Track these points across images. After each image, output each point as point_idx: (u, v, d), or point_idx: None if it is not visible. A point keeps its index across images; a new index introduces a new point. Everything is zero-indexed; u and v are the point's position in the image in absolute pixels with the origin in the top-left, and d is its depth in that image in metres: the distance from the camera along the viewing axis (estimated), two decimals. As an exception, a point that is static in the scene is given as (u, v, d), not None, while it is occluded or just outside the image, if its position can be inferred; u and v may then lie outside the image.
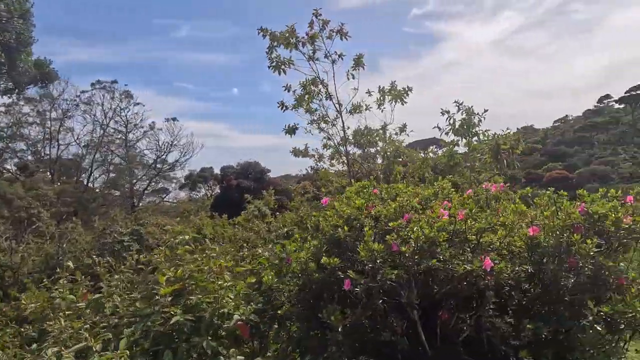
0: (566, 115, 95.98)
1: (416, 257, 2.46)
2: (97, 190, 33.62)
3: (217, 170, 39.38)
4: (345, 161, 7.94)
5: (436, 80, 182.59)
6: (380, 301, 2.60)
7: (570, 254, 2.76)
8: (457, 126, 7.57)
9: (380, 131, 8.02)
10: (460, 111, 7.58)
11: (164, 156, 35.34)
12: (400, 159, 8.71)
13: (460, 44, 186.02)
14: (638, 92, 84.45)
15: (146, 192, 36.56)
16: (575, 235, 2.74)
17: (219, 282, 3.41)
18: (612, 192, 3.28)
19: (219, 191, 36.39)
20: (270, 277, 3.38)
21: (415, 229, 2.48)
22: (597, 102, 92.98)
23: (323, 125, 8.09)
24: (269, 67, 6.63)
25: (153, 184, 36.81)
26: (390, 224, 2.65)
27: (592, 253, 2.68)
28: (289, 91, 7.06)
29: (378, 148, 7.91)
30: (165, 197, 37.57)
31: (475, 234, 2.82)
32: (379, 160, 8.20)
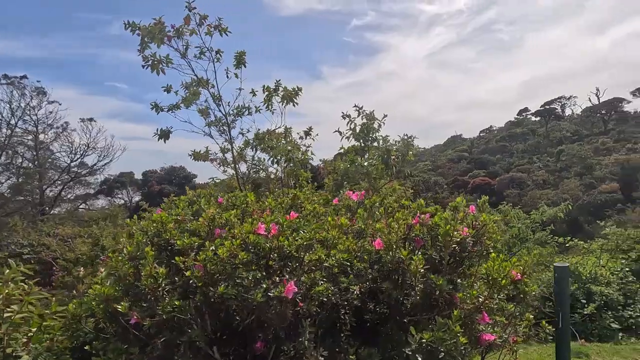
0: (491, 126, 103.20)
1: (208, 282, 2.00)
2: (-1, 196, 30.02)
3: (138, 175, 36.99)
4: (234, 166, 7.39)
5: (375, 89, 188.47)
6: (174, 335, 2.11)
7: (405, 272, 2.46)
8: (357, 131, 7.35)
9: (281, 135, 7.61)
10: (361, 115, 7.37)
11: (78, 160, 32.38)
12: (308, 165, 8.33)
13: (397, 55, 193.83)
14: (551, 106, 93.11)
15: (65, 198, 33.30)
16: (403, 250, 2.44)
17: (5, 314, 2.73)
18: (458, 201, 3.06)
19: (139, 197, 34.22)
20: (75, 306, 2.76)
21: (208, 250, 2.03)
22: (517, 115, 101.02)
23: (223, 128, 7.51)
24: (143, 66, 5.92)
25: (68, 189, 33.61)
26: (178, 242, 2.18)
27: (422, 270, 2.39)
28: (168, 92, 6.39)
29: (277, 152, 7.46)
30: (81, 203, 34.43)
31: (296, 251, 2.42)
32: (280, 166, 7.76)
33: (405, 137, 6.42)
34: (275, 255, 2.24)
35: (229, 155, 8.30)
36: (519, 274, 2.68)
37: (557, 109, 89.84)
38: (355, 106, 7.31)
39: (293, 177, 8.05)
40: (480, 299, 2.40)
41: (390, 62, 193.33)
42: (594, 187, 46.07)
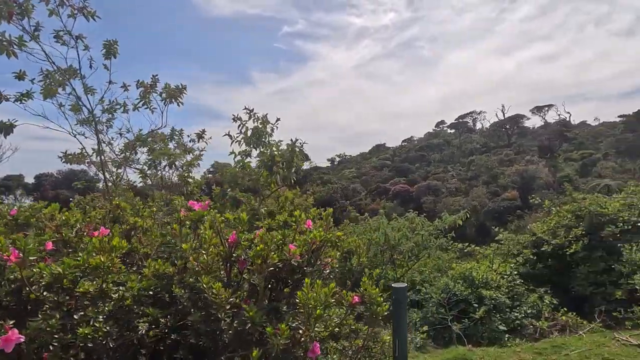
0: (411, 136, 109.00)
1: None
2: None
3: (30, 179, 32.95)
4: (102, 170, 6.53)
5: (305, 96, 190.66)
6: None
7: (208, 301, 2.02)
8: (249, 134, 6.88)
9: (166, 137, 6.89)
10: (252, 119, 6.92)
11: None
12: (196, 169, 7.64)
13: (327, 64, 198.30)
14: (464, 120, 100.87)
15: None
16: (204, 277, 2.01)
17: None
18: (297, 214, 2.71)
19: (29, 202, 30.42)
20: None
21: None
22: (435, 127, 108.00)
23: (95, 126, 6.58)
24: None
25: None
26: None
27: (232, 299, 1.97)
28: (22, 79, 5.40)
29: (156, 156, 6.72)
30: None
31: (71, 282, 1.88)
32: (159, 171, 7.01)
33: (291, 142, 6.07)
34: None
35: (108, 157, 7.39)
36: (356, 298, 2.37)
37: (469, 122, 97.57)
38: (245, 108, 6.85)
39: (184, 184, 7.37)
40: (300, 331, 2.03)
41: (320, 70, 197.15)
42: (498, 195, 50.29)
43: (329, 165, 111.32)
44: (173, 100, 6.15)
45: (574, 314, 9.61)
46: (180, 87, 6.13)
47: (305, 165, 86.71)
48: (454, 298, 9.87)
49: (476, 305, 9.55)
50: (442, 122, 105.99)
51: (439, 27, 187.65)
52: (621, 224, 10.66)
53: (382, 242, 10.87)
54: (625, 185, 14.21)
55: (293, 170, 5.67)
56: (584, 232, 11.43)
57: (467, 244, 13.17)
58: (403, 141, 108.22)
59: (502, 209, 44.61)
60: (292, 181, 5.68)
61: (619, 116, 75.09)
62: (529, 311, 9.94)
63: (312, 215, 3.01)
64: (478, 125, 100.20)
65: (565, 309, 9.76)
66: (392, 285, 2.43)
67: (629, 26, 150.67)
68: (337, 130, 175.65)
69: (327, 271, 2.58)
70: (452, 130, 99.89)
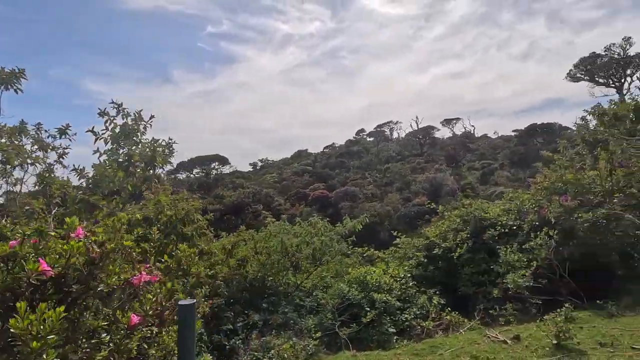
0: (333, 143, 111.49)
1: None
2: None
3: None
4: None
5: (230, 98, 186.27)
6: None
7: None
8: (116, 132, 6.18)
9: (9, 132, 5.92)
10: (121, 114, 6.24)
11: None
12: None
13: (253, 68, 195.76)
14: (382, 129, 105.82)
15: None
16: None
17: None
18: (68, 221, 2.26)
19: None
20: None
21: None
22: (355, 134, 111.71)
23: None
24: None
25: None
26: None
27: None
28: None
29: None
30: None
31: None
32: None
33: (151, 141, 5.54)
34: None
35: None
36: (137, 318, 1.99)
37: (386, 131, 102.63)
38: (112, 103, 6.14)
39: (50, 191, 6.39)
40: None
41: (246, 73, 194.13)
42: (410, 200, 53.20)
43: (251, 169, 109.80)
44: (9, 86, 5.27)
45: (457, 313, 10.18)
46: (17, 71, 5.27)
47: (226, 169, 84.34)
48: (347, 302, 9.92)
49: (368, 309, 9.67)
50: (362, 130, 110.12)
51: (361, 39, 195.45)
52: (499, 228, 11.60)
53: (279, 249, 10.61)
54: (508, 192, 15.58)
55: (156, 171, 5.12)
56: (469, 236, 12.26)
57: (366, 248, 13.45)
58: (325, 147, 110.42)
59: (413, 214, 47.16)
60: (155, 182, 5.13)
61: (513, 131, 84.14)
62: (418, 312, 10.33)
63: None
64: (395, 135, 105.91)
65: (449, 308, 10.31)
66: (180, 303, 2.07)
67: (524, 51, 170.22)
68: (263, 135, 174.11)
69: (110, 290, 2.15)
70: (371, 139, 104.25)
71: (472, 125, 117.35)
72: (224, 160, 77.00)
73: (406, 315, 10.06)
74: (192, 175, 74.72)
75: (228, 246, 9.41)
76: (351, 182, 65.70)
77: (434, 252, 12.48)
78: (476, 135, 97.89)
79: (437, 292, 11.30)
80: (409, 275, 11.88)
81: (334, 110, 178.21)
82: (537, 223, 11.26)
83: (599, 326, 7.85)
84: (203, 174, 72.14)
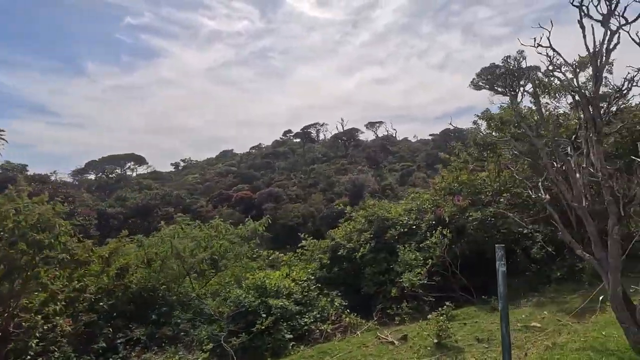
0: (260, 144, 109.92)
1: None
2: None
3: None
4: None
5: (153, 95, 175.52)
6: None
7: None
8: None
9: None
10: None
11: None
12: None
13: (177, 64, 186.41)
14: (309, 130, 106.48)
15: None
16: None
17: None
18: None
19: None
20: None
21: None
22: (282, 135, 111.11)
23: None
24: None
25: None
26: None
27: None
28: None
29: None
30: None
31: None
32: None
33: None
34: None
35: None
36: None
37: (312, 133, 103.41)
38: None
39: None
40: None
41: (169, 69, 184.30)
42: (333, 201, 53.93)
43: (173, 170, 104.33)
44: None
45: (355, 315, 10.14)
46: None
47: (142, 169, 78.97)
48: (242, 309, 9.37)
49: (264, 315, 9.19)
50: (289, 131, 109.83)
51: (290, 41, 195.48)
52: (399, 228, 11.83)
53: (170, 254, 9.74)
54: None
55: None
56: (372, 236, 12.37)
57: (271, 251, 13.02)
58: (251, 148, 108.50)
59: (335, 214, 47.82)
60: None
61: (429, 135, 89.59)
62: (318, 315, 10.09)
63: None
64: (321, 136, 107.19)
65: (347, 311, 10.23)
66: None
67: (442, 62, 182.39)
68: (187, 134, 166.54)
69: None
70: (298, 140, 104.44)
71: (394, 129, 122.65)
72: (140, 160, 72.11)
73: (305, 320, 9.75)
74: (103, 175, 68.82)
75: (105, 254, 8.35)
76: (276, 183, 65.10)
77: (339, 253, 12.40)
78: (398, 139, 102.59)
79: (340, 294, 11.20)
80: (312, 277, 11.64)
81: (262, 110, 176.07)
82: (434, 222, 11.65)
83: (480, 321, 8.16)
84: (104, 175, 66.41)
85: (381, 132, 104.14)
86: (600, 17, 4.79)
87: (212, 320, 9.72)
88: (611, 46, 4.74)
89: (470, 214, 11.06)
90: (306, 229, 50.59)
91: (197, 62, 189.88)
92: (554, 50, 4.98)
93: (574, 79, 5.25)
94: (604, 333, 5.47)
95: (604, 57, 4.77)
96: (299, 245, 13.34)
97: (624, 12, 4.63)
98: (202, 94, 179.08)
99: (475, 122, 12.09)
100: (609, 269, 4.72)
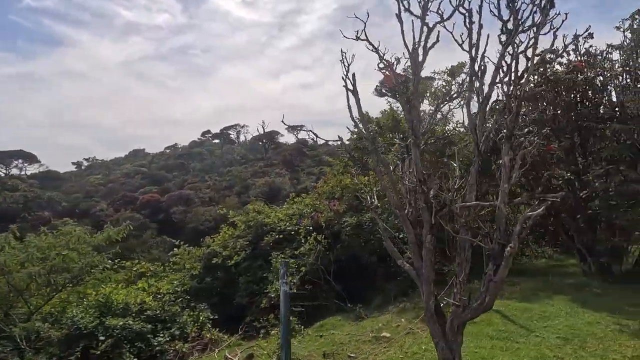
0: (175, 143, 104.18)
1: None
2: None
3: None
4: None
5: (58, 87, 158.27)
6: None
7: None
8: None
9: None
10: None
11: None
12: None
13: (87, 55, 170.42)
14: (229, 131, 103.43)
15: None
16: None
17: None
18: None
19: None
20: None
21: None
22: (201, 136, 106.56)
23: None
24: None
25: None
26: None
27: None
28: None
29: None
30: None
31: None
32: None
33: None
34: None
35: None
36: None
37: (232, 134, 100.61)
38: None
39: None
40: None
41: (77, 60, 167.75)
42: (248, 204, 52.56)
43: (75, 169, 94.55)
44: None
45: (224, 329, 9.34)
46: None
47: (33, 168, 70.08)
48: (76, 332, 8.03)
49: (103, 338, 7.95)
50: (208, 131, 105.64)
51: (214, 39, 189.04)
52: (275, 235, 11.21)
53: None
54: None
55: None
56: (248, 242, 11.63)
57: (137, 261, 11.67)
58: (166, 148, 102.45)
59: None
60: None
61: (347, 140, 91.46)
62: (177, 333, 9.09)
63: None
64: (242, 138, 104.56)
65: (210, 325, 9.38)
66: None
67: (363, 70, 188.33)
68: (100, 132, 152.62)
69: None
70: (217, 141, 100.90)
71: (315, 133, 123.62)
72: (30, 157, 63.93)
73: (160, 339, 8.68)
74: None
75: None
76: (189, 185, 61.87)
77: (214, 261, 11.48)
78: (318, 143, 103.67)
79: (208, 307, 10.29)
80: (178, 289, 10.59)
81: (184, 109, 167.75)
82: (311, 227, 11.22)
83: (337, 333, 7.80)
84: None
85: (302, 135, 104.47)
86: (420, 12, 4.53)
87: (48, 345, 8.22)
88: (429, 44, 4.51)
89: (346, 219, 10.80)
90: (218, 232, 48.66)
91: (111, 54, 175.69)
92: (371, 44, 4.65)
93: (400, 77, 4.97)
94: (423, 347, 5.26)
95: (422, 55, 4.53)
96: (170, 253, 12.16)
97: (438, 7, 4.41)
98: (116, 89, 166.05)
99: (356, 126, 11.93)
100: (423, 279, 4.44)
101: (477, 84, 4.42)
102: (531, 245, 13.46)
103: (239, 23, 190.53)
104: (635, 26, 7.78)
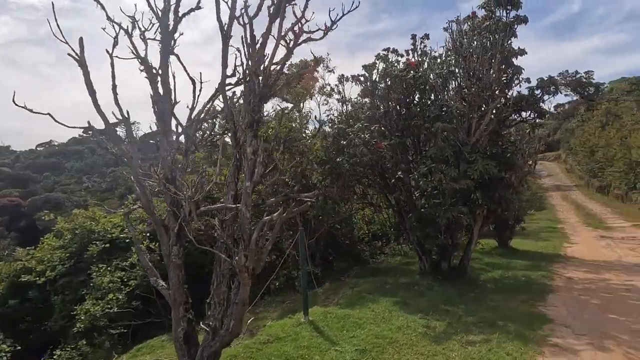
0: (51, 140, 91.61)
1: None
2: None
3: None
4: None
5: None
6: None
7: None
8: None
9: None
10: None
11: None
12: None
13: None
14: (115, 128, 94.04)
15: None
16: None
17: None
18: None
19: None
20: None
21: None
22: (83, 132, 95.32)
23: None
24: None
25: None
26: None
27: None
28: None
29: None
30: None
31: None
32: None
33: None
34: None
35: None
36: None
37: (120, 131, 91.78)
38: None
39: None
40: None
41: None
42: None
43: None
44: None
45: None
46: None
47: None
48: None
49: None
50: (91, 128, 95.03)
51: (103, 26, 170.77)
52: (100, 244, 9.57)
53: None
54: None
55: None
56: (70, 254, 9.83)
57: None
58: (38, 145, 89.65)
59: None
60: None
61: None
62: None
63: None
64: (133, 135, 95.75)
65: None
66: None
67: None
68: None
69: None
70: (102, 137, 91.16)
71: (218, 131, 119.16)
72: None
73: None
74: None
75: None
76: (61, 187, 54.56)
77: (23, 279, 9.45)
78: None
79: (4, 338, 8.35)
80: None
81: (64, 101, 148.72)
82: (148, 233, 9.83)
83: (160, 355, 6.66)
84: None
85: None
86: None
87: None
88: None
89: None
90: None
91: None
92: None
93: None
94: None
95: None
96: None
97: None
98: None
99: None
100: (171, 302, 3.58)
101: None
102: (391, 243, 13.72)
103: (131, 10, 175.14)
104: (454, 28, 7.99)
